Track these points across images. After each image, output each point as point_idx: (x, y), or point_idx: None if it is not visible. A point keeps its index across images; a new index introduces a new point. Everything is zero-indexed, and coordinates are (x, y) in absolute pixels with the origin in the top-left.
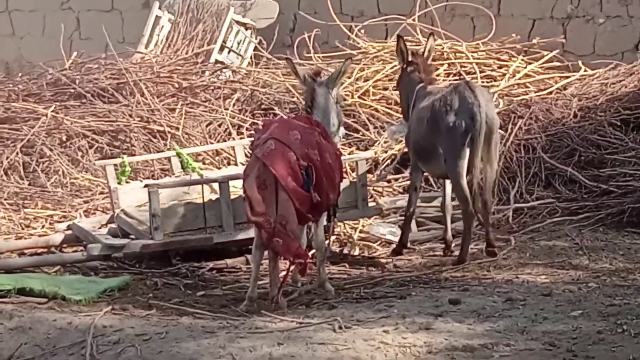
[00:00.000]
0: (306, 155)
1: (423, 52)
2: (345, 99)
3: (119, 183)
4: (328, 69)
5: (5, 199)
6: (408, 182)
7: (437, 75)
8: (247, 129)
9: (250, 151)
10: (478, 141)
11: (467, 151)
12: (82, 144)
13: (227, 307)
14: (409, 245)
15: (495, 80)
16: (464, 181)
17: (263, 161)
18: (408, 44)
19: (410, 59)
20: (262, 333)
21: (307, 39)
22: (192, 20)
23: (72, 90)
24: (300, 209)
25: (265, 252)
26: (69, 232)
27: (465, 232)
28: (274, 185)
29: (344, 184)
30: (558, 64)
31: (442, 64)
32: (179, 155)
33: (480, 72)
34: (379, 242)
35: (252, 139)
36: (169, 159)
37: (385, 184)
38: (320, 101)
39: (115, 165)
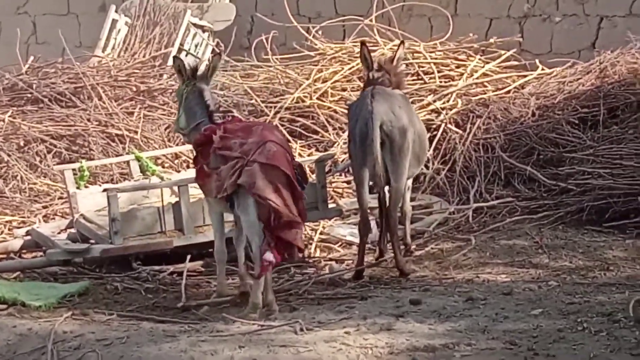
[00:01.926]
0: (292, 155)
1: (392, 59)
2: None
3: (78, 188)
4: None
5: None
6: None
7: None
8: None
9: (225, 158)
10: (373, 148)
11: (368, 158)
12: (40, 149)
13: (188, 310)
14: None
15: (453, 80)
16: (363, 189)
17: (271, 164)
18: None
19: (376, 66)
20: (224, 336)
21: (264, 41)
22: (149, 24)
23: (30, 95)
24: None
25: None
26: (28, 237)
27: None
28: (288, 185)
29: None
30: (515, 63)
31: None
32: (138, 159)
33: (438, 72)
34: (339, 244)
35: (218, 144)
36: (127, 162)
37: (346, 185)
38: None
39: (73, 169)
